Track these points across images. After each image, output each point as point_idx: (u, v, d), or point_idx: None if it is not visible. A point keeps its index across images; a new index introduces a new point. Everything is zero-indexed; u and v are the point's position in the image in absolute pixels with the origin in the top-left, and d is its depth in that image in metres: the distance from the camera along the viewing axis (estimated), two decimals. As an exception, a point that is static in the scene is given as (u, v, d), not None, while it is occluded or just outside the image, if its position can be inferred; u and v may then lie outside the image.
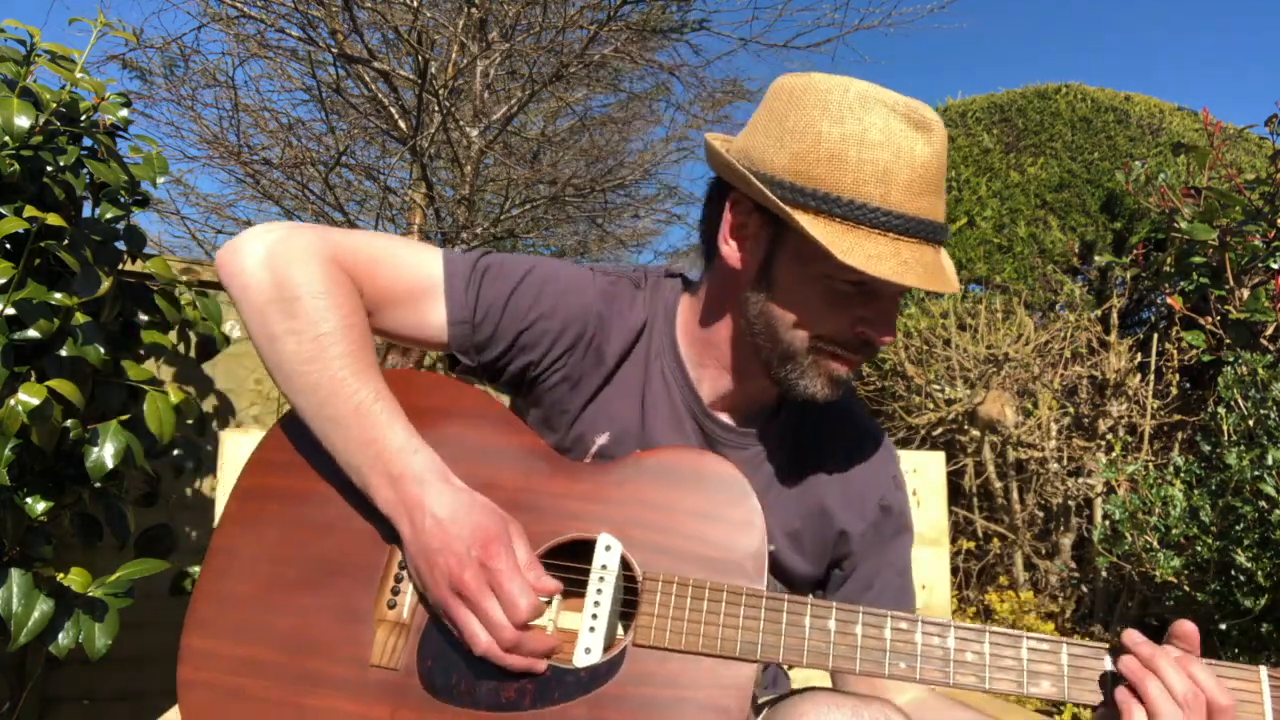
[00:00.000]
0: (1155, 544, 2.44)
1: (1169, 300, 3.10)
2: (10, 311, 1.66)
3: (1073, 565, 3.20)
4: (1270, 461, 2.16)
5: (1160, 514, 2.45)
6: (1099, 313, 3.40)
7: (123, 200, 2.01)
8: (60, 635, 1.76)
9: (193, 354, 2.28)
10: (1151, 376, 3.15)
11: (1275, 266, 2.81)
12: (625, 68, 5.00)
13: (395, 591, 1.00)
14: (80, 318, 1.79)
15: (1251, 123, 3.33)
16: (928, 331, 3.42)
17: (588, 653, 0.93)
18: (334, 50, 3.96)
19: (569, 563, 1.00)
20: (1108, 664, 0.88)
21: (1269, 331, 2.79)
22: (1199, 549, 2.31)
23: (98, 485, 1.89)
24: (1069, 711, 2.76)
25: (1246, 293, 2.89)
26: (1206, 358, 3.01)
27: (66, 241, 1.77)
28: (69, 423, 1.75)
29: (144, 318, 2.07)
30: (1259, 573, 2.15)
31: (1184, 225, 3.00)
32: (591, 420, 1.10)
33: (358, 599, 1.00)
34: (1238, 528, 2.22)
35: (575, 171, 5.12)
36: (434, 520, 0.94)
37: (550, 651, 0.93)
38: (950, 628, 0.91)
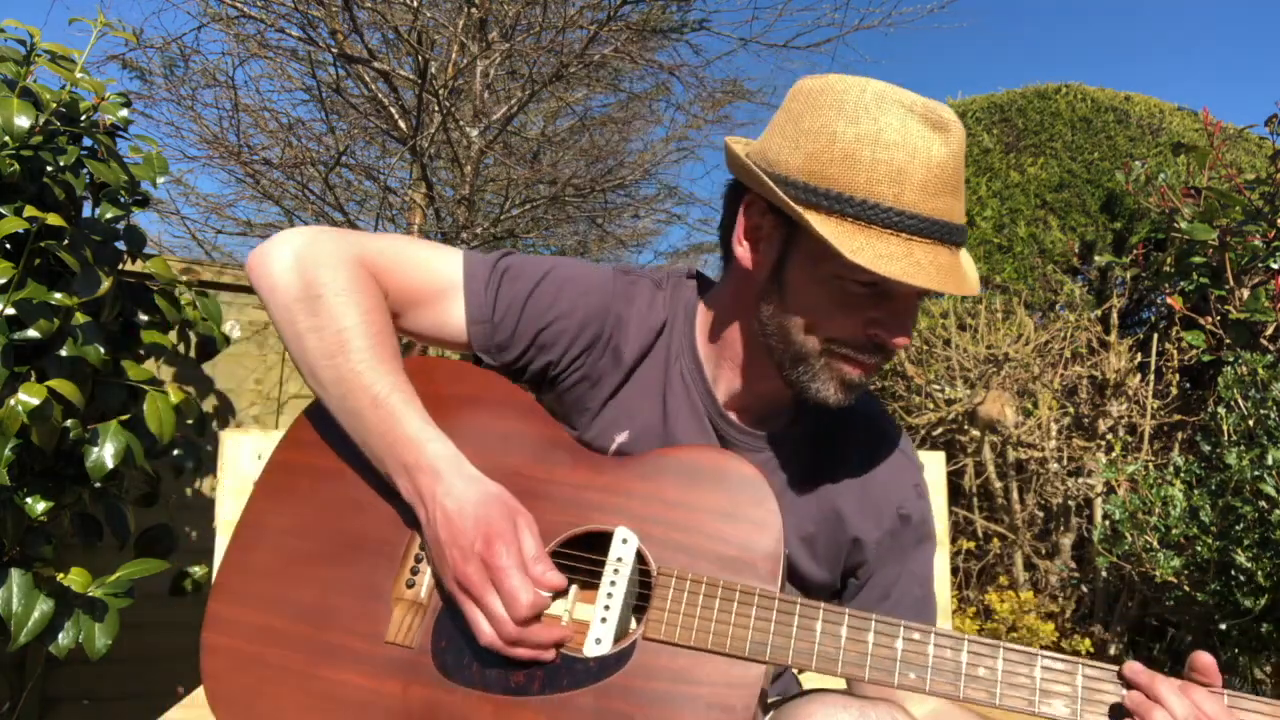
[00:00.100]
0: (1155, 544, 2.44)
1: (1169, 300, 3.10)
2: (10, 311, 1.66)
3: (1073, 565, 3.20)
4: (1270, 461, 2.16)
5: (1160, 514, 2.44)
6: (1099, 313, 3.40)
7: (123, 200, 2.01)
8: (60, 635, 1.76)
9: (193, 354, 2.28)
10: (1151, 376, 3.15)
11: (1275, 266, 2.81)
12: (625, 68, 5.01)
13: (415, 572, 1.03)
14: (80, 318, 1.79)
15: (1251, 123, 3.33)
16: (928, 331, 3.42)
17: (598, 643, 0.94)
18: (334, 50, 3.96)
19: (586, 554, 1.00)
20: (1122, 690, 0.87)
21: (1269, 331, 2.79)
22: (1199, 549, 2.31)
23: (98, 485, 1.89)
24: None
25: (1246, 293, 2.89)
26: (1206, 358, 3.01)
27: (66, 241, 1.77)
28: (69, 423, 1.75)
29: (144, 318, 2.07)
30: (1259, 573, 2.15)
31: (1184, 225, 3.00)
32: (612, 419, 1.11)
33: (378, 577, 1.02)
34: (1238, 528, 2.22)
35: (575, 171, 5.12)
36: (443, 512, 0.96)
37: (556, 644, 0.94)
38: (964, 641, 0.90)
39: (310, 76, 4.38)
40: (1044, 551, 3.26)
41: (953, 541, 3.23)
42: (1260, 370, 2.35)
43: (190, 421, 2.11)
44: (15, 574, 1.72)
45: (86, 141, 1.95)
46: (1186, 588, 2.38)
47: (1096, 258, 3.65)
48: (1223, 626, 2.30)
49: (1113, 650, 3.05)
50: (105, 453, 1.80)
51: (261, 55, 4.25)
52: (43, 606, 1.73)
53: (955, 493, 3.30)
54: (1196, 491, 2.40)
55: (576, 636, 0.96)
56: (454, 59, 4.19)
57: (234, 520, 1.51)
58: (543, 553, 0.96)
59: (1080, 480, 3.16)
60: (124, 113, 1.99)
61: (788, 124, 0.98)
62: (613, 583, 0.97)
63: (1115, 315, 3.36)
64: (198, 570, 2.21)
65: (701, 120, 5.24)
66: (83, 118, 1.92)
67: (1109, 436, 3.18)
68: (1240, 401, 2.38)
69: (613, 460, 1.06)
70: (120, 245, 1.99)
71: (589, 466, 1.05)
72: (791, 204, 0.94)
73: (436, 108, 3.92)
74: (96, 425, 1.82)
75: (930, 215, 0.92)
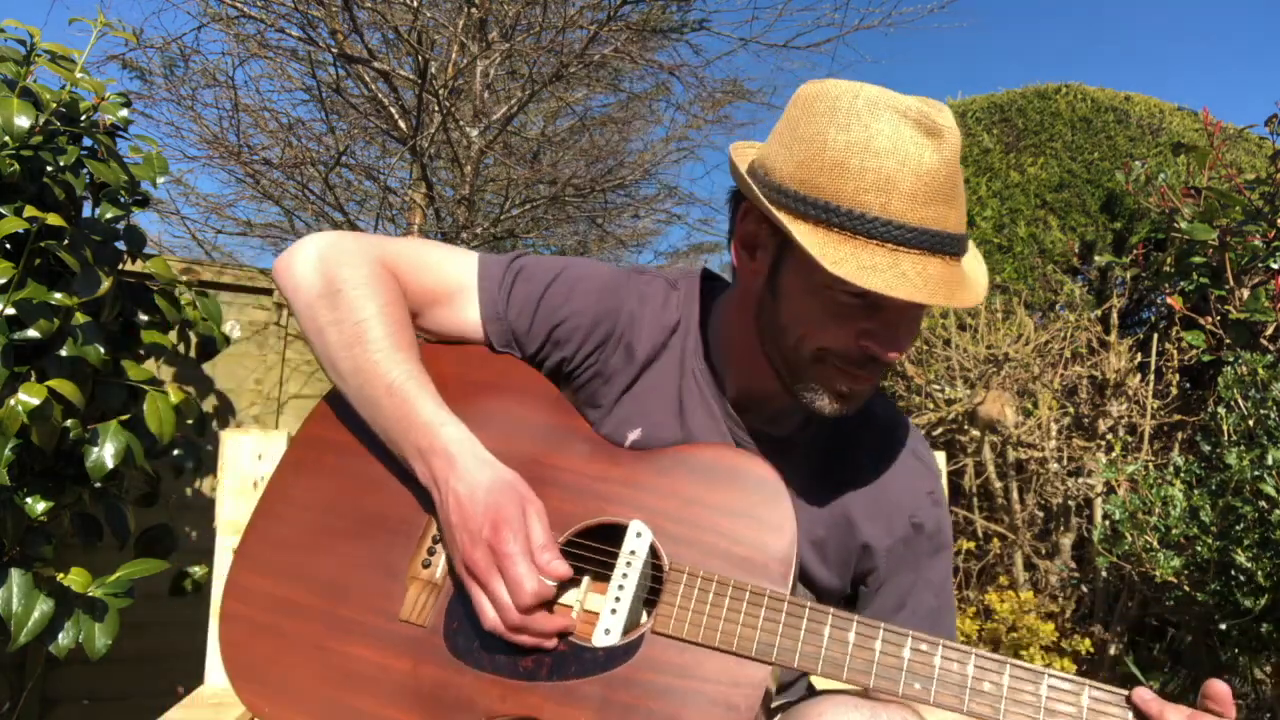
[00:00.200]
0: (1155, 544, 2.44)
1: (1169, 300, 3.10)
2: (10, 311, 1.66)
3: (1073, 565, 3.20)
4: (1270, 461, 2.16)
5: (1160, 514, 2.44)
6: (1099, 313, 3.40)
7: (123, 200, 2.01)
8: (60, 635, 1.76)
9: (193, 354, 2.28)
10: (1151, 376, 3.15)
11: (1275, 266, 2.81)
12: (625, 68, 5.00)
13: (431, 553, 1.04)
14: (80, 318, 1.79)
15: (1251, 123, 3.33)
16: (927, 331, 3.42)
17: (607, 634, 0.95)
18: (334, 50, 3.96)
19: (601, 544, 1.01)
20: (1129, 715, 0.86)
21: (1269, 331, 2.79)
22: (1199, 549, 2.31)
23: (98, 485, 1.89)
24: None
25: (1246, 293, 2.89)
26: (1206, 358, 3.01)
27: (66, 241, 1.77)
28: (69, 423, 1.75)
29: (144, 318, 2.07)
30: (1259, 573, 2.15)
31: (1184, 225, 3.00)
32: (625, 416, 1.12)
33: (395, 556, 1.04)
34: (1238, 528, 2.22)
35: (575, 171, 5.12)
36: (455, 496, 0.97)
37: (561, 631, 0.95)
38: (971, 654, 0.90)
39: (310, 76, 4.38)
40: (1044, 551, 3.26)
41: (953, 541, 3.22)
42: (1260, 370, 2.35)
43: (190, 421, 2.11)
44: (15, 574, 1.72)
45: (86, 141, 1.95)
46: (1186, 588, 2.38)
47: (1096, 258, 3.65)
48: (1223, 626, 2.30)
49: (1112, 650, 3.05)
50: (105, 453, 1.80)
51: (261, 55, 4.25)
52: (43, 606, 1.73)
53: (955, 493, 3.30)
54: (1196, 491, 2.40)
55: (584, 626, 0.97)
56: (454, 59, 4.19)
57: (234, 520, 1.52)
58: (550, 541, 0.96)
59: (1080, 480, 3.16)
60: (124, 113, 1.99)
61: (785, 130, 0.98)
62: (624, 575, 0.97)
63: (1115, 315, 3.36)
64: (198, 570, 2.21)
65: (701, 120, 5.24)
66: (83, 118, 1.92)
67: (1109, 436, 3.18)
68: (1240, 401, 2.38)
69: (630, 454, 1.07)
70: (120, 245, 1.99)
71: (606, 458, 1.06)
72: (776, 214, 0.94)
73: (436, 108, 3.92)
74: (96, 425, 1.82)
75: (918, 224, 0.90)
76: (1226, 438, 2.37)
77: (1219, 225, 2.93)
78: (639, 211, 5.88)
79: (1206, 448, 2.44)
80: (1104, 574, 2.96)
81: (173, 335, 2.15)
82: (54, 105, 1.83)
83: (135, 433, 1.86)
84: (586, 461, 1.05)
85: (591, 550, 1.01)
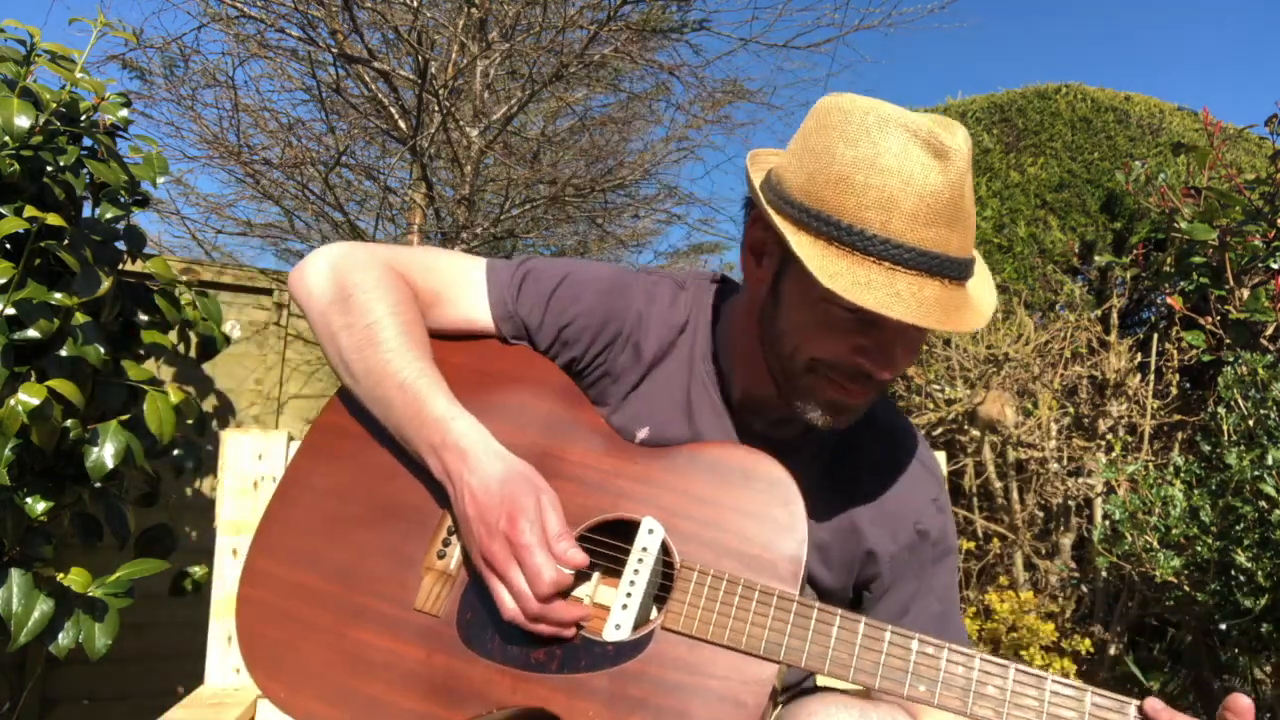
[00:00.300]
0: (1155, 544, 2.44)
1: (1169, 300, 3.10)
2: (10, 311, 1.66)
3: (1073, 565, 3.20)
4: (1270, 461, 2.15)
5: (1160, 514, 2.44)
6: (1099, 313, 3.40)
7: (123, 200, 2.01)
8: (60, 635, 1.76)
9: (193, 354, 2.28)
10: (1151, 376, 3.15)
11: (1275, 266, 2.81)
12: (625, 68, 5.00)
13: (446, 544, 1.05)
14: (80, 318, 1.79)
15: (1251, 123, 3.32)
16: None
17: (617, 629, 0.97)
18: (334, 50, 3.96)
19: (613, 540, 1.02)
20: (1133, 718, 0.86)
21: (1269, 331, 2.79)
22: (1199, 549, 2.31)
23: (98, 485, 1.89)
24: None
25: (1246, 293, 2.88)
26: (1206, 358, 3.01)
27: (66, 241, 1.77)
28: (69, 423, 1.75)
29: (144, 318, 2.07)
30: (1259, 573, 2.15)
31: (1184, 225, 3.00)
32: (633, 414, 1.14)
33: (411, 545, 1.05)
34: (1238, 528, 2.22)
35: (575, 171, 5.12)
36: (469, 490, 0.98)
37: (578, 620, 0.96)
38: (975, 658, 0.91)
39: (310, 76, 4.38)
40: (1044, 551, 3.26)
41: (957, 546, 3.22)
42: (1260, 370, 2.35)
43: (190, 421, 2.11)
44: (15, 574, 1.72)
45: (86, 141, 1.95)
46: (1186, 588, 2.38)
47: (1096, 258, 3.65)
48: (1223, 626, 2.30)
49: (1112, 650, 3.05)
50: (105, 453, 1.80)
51: (261, 55, 4.24)
52: (43, 606, 1.73)
53: (955, 493, 3.30)
54: (1196, 491, 2.40)
55: (596, 621, 0.98)
56: (454, 59, 4.19)
57: (234, 520, 1.52)
58: (566, 531, 0.97)
59: (1080, 480, 3.16)
60: (124, 113, 1.99)
61: (800, 141, 0.99)
62: (636, 571, 0.99)
63: (1115, 315, 3.36)
64: (198, 570, 2.21)
65: (701, 120, 5.22)
66: (83, 118, 1.92)
67: (1109, 436, 3.18)
68: (1240, 401, 2.38)
69: (645, 450, 1.08)
70: (120, 245, 1.99)
71: (621, 454, 1.07)
72: (778, 224, 0.95)
73: (436, 108, 3.92)
74: (96, 425, 1.82)
75: (917, 245, 0.90)
76: (1226, 438, 2.37)
77: (1219, 225, 2.93)
78: (639, 211, 5.88)
79: (1206, 448, 2.44)
80: (1104, 574, 2.96)
81: (173, 335, 2.15)
82: (54, 105, 1.83)
83: (135, 433, 1.86)
84: (600, 456, 1.06)
85: (603, 545, 1.02)
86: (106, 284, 1.83)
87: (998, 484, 3.27)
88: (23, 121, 1.71)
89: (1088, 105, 3.97)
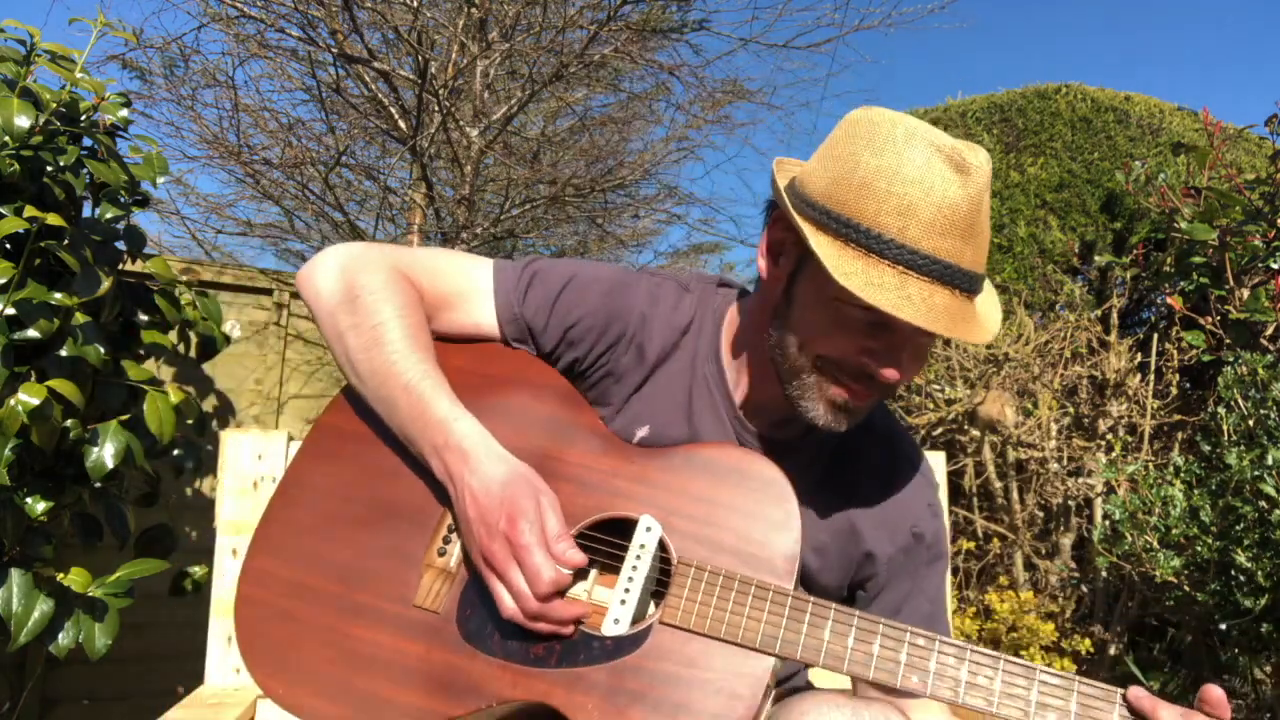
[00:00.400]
0: (1155, 544, 2.44)
1: (1169, 300, 3.10)
2: (10, 311, 1.66)
3: (1073, 565, 3.20)
4: (1270, 461, 2.16)
5: (1160, 514, 2.44)
6: (1099, 313, 3.40)
7: (123, 200, 2.01)
8: (60, 635, 1.76)
9: (193, 354, 2.28)
10: (1151, 376, 3.15)
11: (1275, 266, 2.81)
12: (625, 68, 5.00)
13: (447, 542, 1.07)
14: (80, 318, 1.79)
15: (1251, 123, 3.33)
16: (928, 331, 3.42)
17: (616, 623, 0.98)
18: (334, 50, 3.96)
19: (610, 537, 1.04)
20: (1118, 708, 0.89)
21: (1269, 331, 2.79)
22: (1199, 549, 2.31)
23: (98, 485, 1.89)
24: None
25: (1246, 293, 2.89)
26: (1206, 358, 3.01)
27: (66, 241, 1.77)
28: (69, 423, 1.75)
29: (144, 318, 2.07)
30: (1259, 573, 2.15)
31: (1184, 225, 3.00)
32: (635, 414, 1.15)
33: (411, 544, 1.07)
34: (1238, 528, 2.22)
35: (575, 171, 5.11)
36: (470, 491, 1.00)
37: (576, 619, 0.98)
38: (967, 650, 0.94)
39: (310, 76, 4.38)
40: (1044, 551, 3.26)
41: (953, 541, 3.23)
42: (1260, 370, 2.35)
43: (190, 421, 2.11)
44: (15, 574, 1.72)
45: (86, 141, 1.95)
46: (1186, 588, 2.38)
47: (1096, 258, 3.65)
48: (1223, 626, 2.30)
49: (1112, 650, 3.06)
50: (105, 453, 1.80)
51: (261, 55, 4.24)
52: (43, 606, 1.73)
53: (955, 493, 3.30)
54: (1196, 491, 2.40)
55: (595, 616, 1.00)
56: (454, 59, 4.19)
57: (234, 520, 1.53)
58: (565, 531, 0.99)
59: (1080, 480, 3.16)
60: (124, 113, 1.99)
61: (827, 149, 1.02)
62: (634, 567, 1.00)
63: (1115, 315, 3.36)
64: (198, 570, 2.21)
65: (701, 120, 5.22)
66: (83, 118, 1.92)
67: (1109, 436, 3.18)
68: (1240, 401, 2.38)
69: (641, 450, 1.10)
70: (120, 245, 1.99)
71: (619, 455, 1.08)
72: (799, 221, 0.98)
73: (436, 108, 3.92)
74: (96, 425, 1.82)
75: (931, 253, 0.93)
76: (1226, 438, 2.37)
77: (1219, 225, 2.93)
78: (639, 211, 5.88)
79: (1206, 448, 2.44)
80: (1104, 574, 2.96)
81: (173, 335, 2.15)
82: (54, 105, 1.83)
83: (135, 433, 1.86)
84: (598, 457, 1.08)
85: (601, 543, 1.04)
86: (106, 284, 1.83)
87: (998, 484, 3.27)
88: (23, 121, 1.72)
89: (1088, 105, 3.97)
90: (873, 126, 0.98)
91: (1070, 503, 3.21)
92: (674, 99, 5.23)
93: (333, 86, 4.24)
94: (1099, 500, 3.14)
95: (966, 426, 3.27)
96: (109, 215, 1.97)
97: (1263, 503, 2.16)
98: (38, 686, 2.44)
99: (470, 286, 1.18)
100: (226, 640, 1.51)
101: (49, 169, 1.80)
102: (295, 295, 3.02)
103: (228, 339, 2.34)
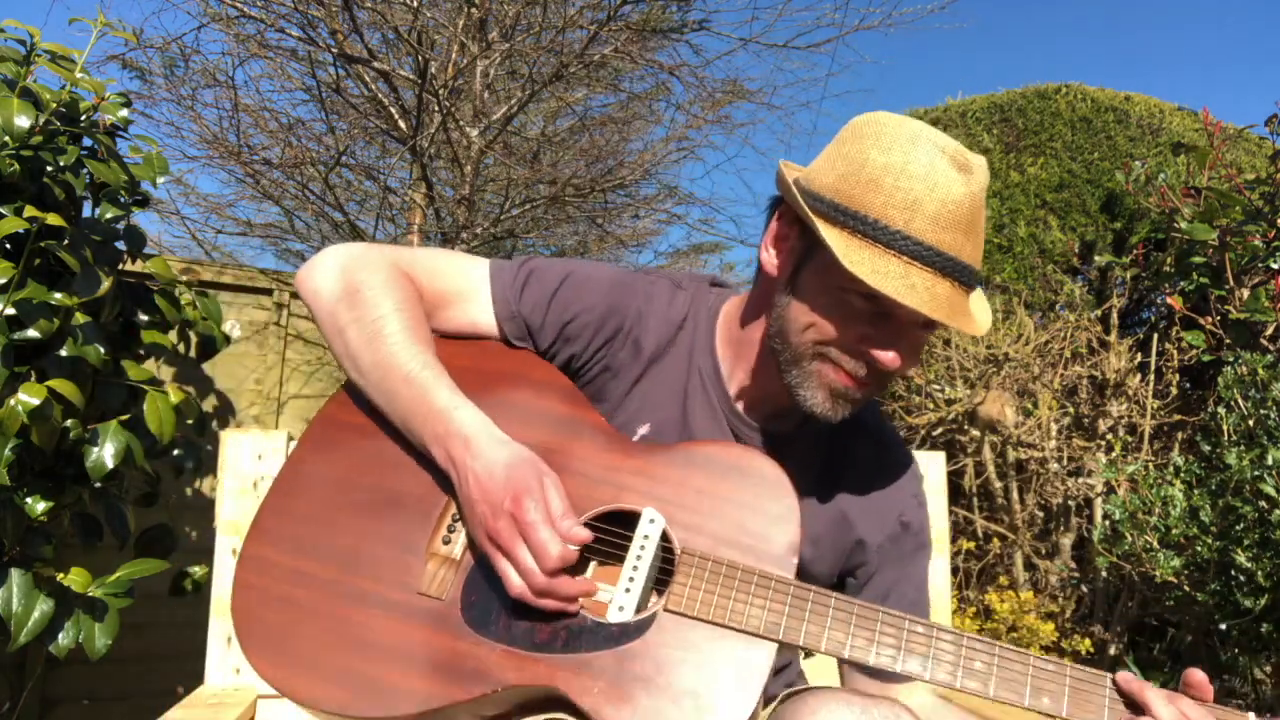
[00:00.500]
0: (1155, 544, 2.44)
1: (1169, 300, 3.10)
2: (10, 311, 1.66)
3: (1073, 565, 3.20)
4: (1270, 461, 2.16)
5: (1160, 514, 2.45)
6: (1099, 313, 3.41)
7: (123, 200, 2.01)
8: (60, 635, 1.76)
9: (193, 354, 2.28)
10: (1151, 376, 3.15)
11: (1275, 266, 2.81)
12: (625, 68, 5.00)
13: (451, 529, 1.07)
14: (80, 318, 1.79)
15: (1251, 123, 3.33)
16: (928, 331, 3.42)
17: (621, 610, 1.00)
18: (334, 50, 3.96)
19: (613, 527, 1.05)
20: (1108, 691, 0.93)
21: (1269, 331, 2.79)
22: (1199, 549, 2.31)
23: (98, 485, 1.89)
24: None
25: (1246, 293, 2.89)
26: (1206, 358, 3.01)
27: (66, 241, 1.77)
28: (69, 423, 1.75)
29: (144, 318, 2.07)
30: (1259, 573, 2.15)
31: (1184, 225, 3.00)
32: (634, 410, 1.18)
33: (413, 533, 1.07)
34: (1238, 528, 2.22)
35: (575, 171, 5.11)
36: (474, 474, 1.01)
37: (582, 594, 0.99)
38: (963, 638, 0.97)
39: (310, 76, 4.38)
40: (1044, 551, 3.26)
41: (953, 541, 3.23)
42: (1260, 370, 2.35)
43: (190, 421, 2.11)
44: (15, 574, 1.72)
45: (86, 141, 1.95)
46: (1186, 588, 2.38)
47: (1096, 258, 3.65)
48: (1223, 626, 2.30)
49: (1113, 650, 3.06)
50: (105, 453, 1.80)
51: (261, 55, 4.24)
52: (43, 606, 1.73)
53: (955, 493, 3.30)
54: (1196, 491, 2.40)
55: (599, 605, 1.01)
56: (454, 59, 4.19)
57: (234, 520, 1.52)
58: (569, 510, 1.01)
59: (1080, 480, 3.16)
60: (124, 113, 1.99)
61: (833, 149, 1.07)
62: (638, 557, 1.02)
63: (1115, 315, 3.36)
64: (198, 570, 2.21)
65: (701, 120, 5.22)
66: (83, 118, 1.92)
67: (1109, 436, 3.18)
68: (1240, 401, 2.38)
69: (643, 446, 1.12)
70: (120, 245, 1.99)
71: (620, 450, 1.10)
72: (809, 213, 1.02)
73: (436, 108, 3.92)
74: (96, 425, 1.82)
75: (934, 245, 0.98)
76: (1226, 438, 2.37)
77: (1219, 225, 2.93)
78: (639, 211, 5.88)
79: (1206, 448, 2.44)
80: (1104, 574, 2.96)
81: (173, 335, 2.15)
82: (54, 105, 1.83)
83: (135, 433, 1.86)
84: (600, 452, 1.09)
85: (602, 536, 1.05)
86: (106, 284, 1.83)
87: (998, 484, 3.27)
88: (23, 121, 1.72)
89: (1088, 105, 3.97)
90: (880, 127, 1.02)
91: (1070, 503, 3.21)
92: (674, 99, 5.23)
93: (333, 86, 4.24)
94: (1099, 500, 3.14)
95: (966, 426, 3.27)
96: (109, 215, 1.97)
97: (1263, 503, 2.16)
98: (38, 686, 2.44)
99: (468, 285, 1.20)
100: (226, 640, 1.51)
101: (49, 169, 1.80)
102: (295, 295, 3.03)
103: (228, 339, 2.34)
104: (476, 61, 4.13)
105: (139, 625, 2.20)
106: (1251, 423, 2.33)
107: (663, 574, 1.03)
